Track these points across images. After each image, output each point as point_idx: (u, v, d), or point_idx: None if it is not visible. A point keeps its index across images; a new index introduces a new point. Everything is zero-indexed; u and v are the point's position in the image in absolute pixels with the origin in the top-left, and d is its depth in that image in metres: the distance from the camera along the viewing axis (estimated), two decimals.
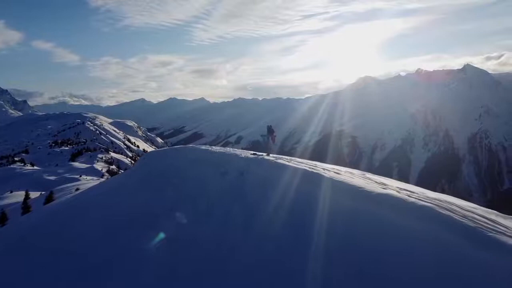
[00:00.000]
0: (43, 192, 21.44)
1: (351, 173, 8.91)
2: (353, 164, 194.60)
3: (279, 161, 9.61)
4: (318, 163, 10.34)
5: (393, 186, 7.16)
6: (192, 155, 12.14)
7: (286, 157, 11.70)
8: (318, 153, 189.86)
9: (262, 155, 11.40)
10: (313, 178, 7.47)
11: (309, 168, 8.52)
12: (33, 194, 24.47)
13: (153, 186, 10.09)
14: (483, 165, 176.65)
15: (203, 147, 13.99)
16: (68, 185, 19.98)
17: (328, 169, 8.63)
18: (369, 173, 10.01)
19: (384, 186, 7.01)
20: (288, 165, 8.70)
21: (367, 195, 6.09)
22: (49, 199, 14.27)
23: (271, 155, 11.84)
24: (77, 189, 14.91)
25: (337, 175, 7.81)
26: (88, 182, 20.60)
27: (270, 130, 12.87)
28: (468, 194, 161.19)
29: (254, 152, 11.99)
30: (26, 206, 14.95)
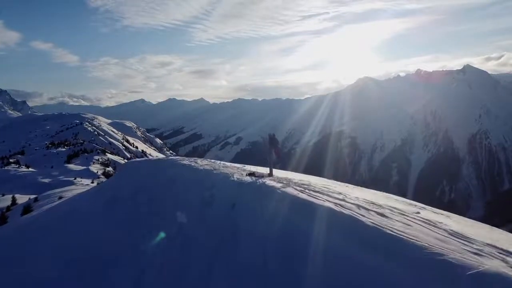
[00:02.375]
0: (31, 197, 20.91)
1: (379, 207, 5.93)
2: (353, 164, 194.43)
3: (287, 190, 6.78)
4: (343, 191, 7.33)
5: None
6: (172, 172, 10.26)
7: (295, 176, 9.47)
8: (318, 154, 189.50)
9: (262, 176, 8.97)
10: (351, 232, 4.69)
11: (336, 205, 5.71)
12: (25, 198, 23.90)
13: (116, 217, 8.34)
14: (483, 165, 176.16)
15: (187, 160, 11.68)
16: (56, 190, 19.44)
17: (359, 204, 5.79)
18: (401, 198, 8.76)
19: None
20: (303, 201, 5.94)
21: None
22: (26, 210, 13.68)
23: (274, 174, 9.61)
24: (60, 198, 14.33)
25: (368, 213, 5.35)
26: (77, 188, 20.01)
27: (273, 141, 10.12)
28: (468, 194, 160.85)
29: (251, 172, 9.47)
30: (3, 216, 14.34)
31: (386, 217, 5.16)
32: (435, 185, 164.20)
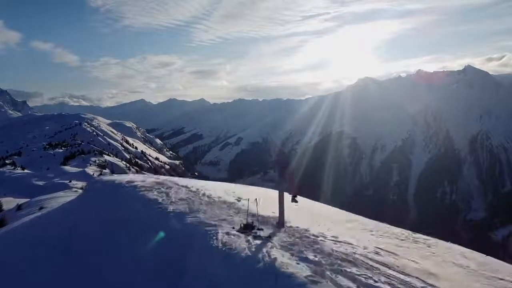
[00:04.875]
0: (19, 202, 20.34)
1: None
2: (353, 165, 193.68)
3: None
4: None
5: None
6: (119, 211, 7.93)
7: (318, 218, 7.52)
8: (318, 154, 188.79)
9: (267, 236, 5.84)
10: None
11: None
12: (14, 202, 23.31)
13: (39, 276, 6.39)
14: (484, 166, 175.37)
15: (156, 191, 8.81)
16: (43, 197, 18.85)
17: None
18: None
19: None
20: None
21: None
22: (1, 223, 13.02)
23: (287, 220, 6.80)
24: (41, 208, 13.74)
25: None
26: (65, 195, 19.40)
27: (281, 159, 7.39)
28: (469, 195, 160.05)
29: (248, 224, 6.32)
30: None
31: None
32: (436, 186, 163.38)
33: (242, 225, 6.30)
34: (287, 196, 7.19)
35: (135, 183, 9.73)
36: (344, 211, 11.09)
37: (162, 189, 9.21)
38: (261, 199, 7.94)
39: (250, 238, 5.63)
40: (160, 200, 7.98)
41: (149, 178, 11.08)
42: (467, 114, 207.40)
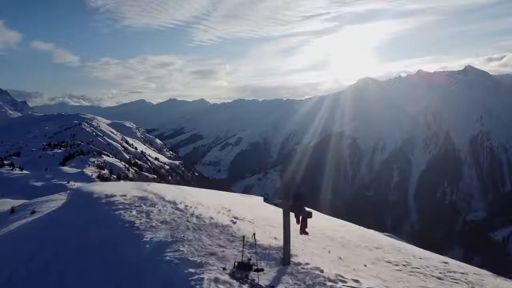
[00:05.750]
0: (14, 205, 20.09)
1: None
2: (354, 165, 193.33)
3: None
4: None
5: None
6: (87, 236, 6.82)
7: (334, 243, 6.75)
8: (318, 155, 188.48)
9: (260, 271, 5.00)
10: None
11: None
12: (10, 204, 23.05)
13: None
14: (485, 167, 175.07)
15: (134, 211, 7.65)
16: (37, 200, 18.61)
17: None
18: None
19: None
20: None
21: None
22: None
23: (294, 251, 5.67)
24: (33, 212, 13.51)
25: None
26: (60, 197, 19.11)
27: (298, 196, 6.14)
28: (469, 196, 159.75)
29: (245, 263, 5.09)
30: None
31: None
32: (436, 186, 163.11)
33: (236, 263, 5.02)
34: (293, 220, 6.06)
35: (114, 199, 8.57)
36: (352, 225, 10.12)
37: (144, 206, 7.95)
38: (260, 219, 6.85)
39: (244, 284, 4.42)
40: (138, 223, 6.68)
41: (133, 191, 9.86)
42: (467, 115, 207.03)
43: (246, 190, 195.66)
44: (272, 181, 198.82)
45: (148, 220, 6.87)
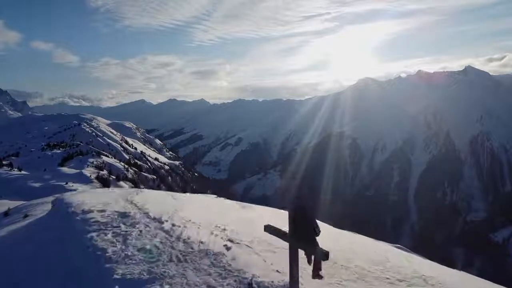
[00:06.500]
0: (10, 206, 19.89)
1: None
2: (354, 165, 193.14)
3: None
4: None
5: None
6: (48, 264, 6.02)
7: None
8: (318, 155, 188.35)
9: None
10: None
11: None
12: (6, 206, 22.85)
13: None
14: (485, 167, 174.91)
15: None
16: (33, 201, 18.41)
17: None
18: None
19: None
20: None
21: None
22: None
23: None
24: (26, 216, 13.30)
25: None
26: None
27: (298, 206, 5.09)
28: (470, 196, 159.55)
29: None
30: None
31: None
32: (436, 186, 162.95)
33: None
34: (302, 253, 4.97)
35: (91, 215, 7.57)
36: (364, 240, 9.17)
37: (123, 226, 6.86)
38: (259, 241, 5.97)
39: None
40: (110, 251, 5.53)
41: (115, 204, 8.67)
42: (467, 115, 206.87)
43: (246, 190, 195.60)
44: (272, 181, 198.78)
45: (123, 248, 5.75)
